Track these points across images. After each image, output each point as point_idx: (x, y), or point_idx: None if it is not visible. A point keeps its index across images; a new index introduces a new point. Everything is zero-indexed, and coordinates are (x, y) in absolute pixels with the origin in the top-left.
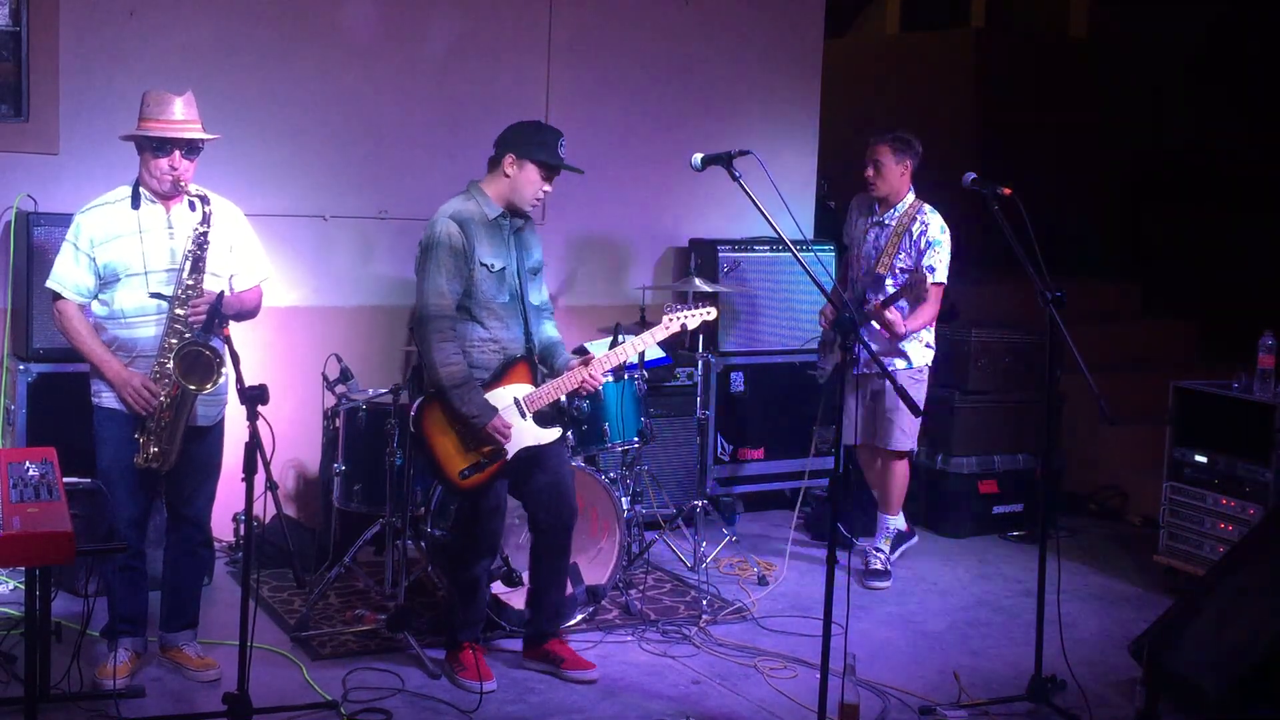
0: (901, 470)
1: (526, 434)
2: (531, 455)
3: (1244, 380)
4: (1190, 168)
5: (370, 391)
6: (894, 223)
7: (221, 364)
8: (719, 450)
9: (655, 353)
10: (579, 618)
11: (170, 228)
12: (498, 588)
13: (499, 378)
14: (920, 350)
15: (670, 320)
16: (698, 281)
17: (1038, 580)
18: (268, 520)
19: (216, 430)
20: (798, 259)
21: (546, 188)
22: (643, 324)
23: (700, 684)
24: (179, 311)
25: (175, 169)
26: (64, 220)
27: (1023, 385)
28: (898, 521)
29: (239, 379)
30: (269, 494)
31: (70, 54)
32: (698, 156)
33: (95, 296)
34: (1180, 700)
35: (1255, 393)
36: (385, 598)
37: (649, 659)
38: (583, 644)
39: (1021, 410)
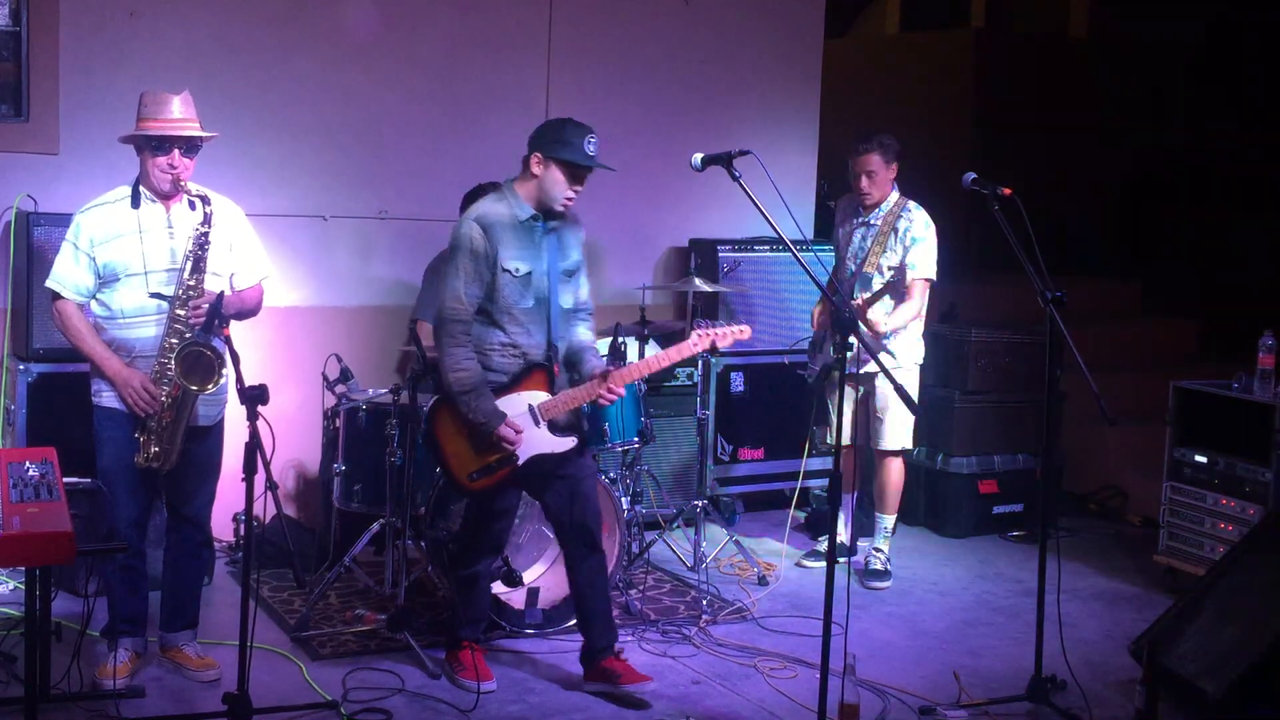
0: (896, 469)
1: (539, 441)
2: (547, 462)
3: (1244, 380)
4: (1190, 168)
5: (370, 391)
6: (879, 222)
7: (222, 364)
8: (719, 450)
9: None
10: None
11: (170, 227)
12: (498, 588)
13: (516, 383)
14: (907, 347)
15: (701, 337)
16: (698, 281)
17: (1038, 580)
18: (268, 520)
19: (217, 430)
20: (798, 259)
21: (576, 187)
22: (643, 323)
23: (700, 684)
24: (179, 311)
25: (174, 167)
26: (64, 220)
27: (1023, 385)
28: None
29: (239, 379)
30: (269, 494)
31: (70, 54)
32: (698, 156)
33: (95, 296)
34: (1180, 700)
35: (1255, 393)
36: (385, 598)
37: (649, 659)
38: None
39: (1021, 410)
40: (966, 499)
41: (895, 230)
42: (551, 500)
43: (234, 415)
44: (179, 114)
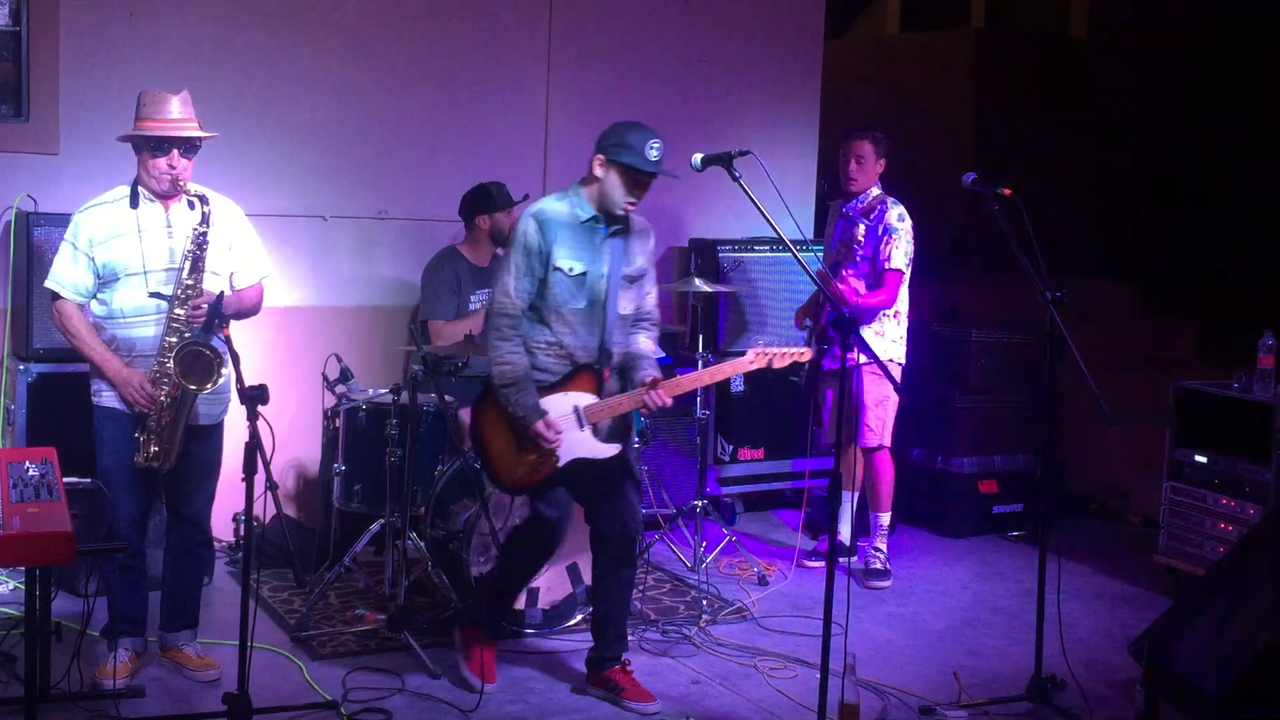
0: (883, 465)
1: (582, 444)
2: (592, 467)
3: (1244, 380)
4: (1190, 167)
5: (370, 391)
6: (858, 214)
7: (222, 364)
8: (719, 450)
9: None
10: (579, 617)
11: (169, 227)
12: None
13: (562, 384)
14: (884, 345)
15: (758, 355)
16: (698, 281)
17: (1038, 580)
18: (268, 520)
19: (217, 430)
20: (798, 259)
21: (637, 192)
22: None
23: (700, 684)
24: (178, 311)
25: (173, 168)
26: (64, 220)
27: (1023, 385)
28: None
29: (239, 379)
30: (269, 494)
31: (70, 54)
32: (698, 156)
33: (94, 296)
34: (1180, 700)
35: (1255, 393)
36: (385, 598)
37: (649, 659)
38: (583, 643)
39: (1021, 410)
40: (966, 499)
41: (868, 219)
42: (592, 508)
43: (234, 415)
44: (178, 114)
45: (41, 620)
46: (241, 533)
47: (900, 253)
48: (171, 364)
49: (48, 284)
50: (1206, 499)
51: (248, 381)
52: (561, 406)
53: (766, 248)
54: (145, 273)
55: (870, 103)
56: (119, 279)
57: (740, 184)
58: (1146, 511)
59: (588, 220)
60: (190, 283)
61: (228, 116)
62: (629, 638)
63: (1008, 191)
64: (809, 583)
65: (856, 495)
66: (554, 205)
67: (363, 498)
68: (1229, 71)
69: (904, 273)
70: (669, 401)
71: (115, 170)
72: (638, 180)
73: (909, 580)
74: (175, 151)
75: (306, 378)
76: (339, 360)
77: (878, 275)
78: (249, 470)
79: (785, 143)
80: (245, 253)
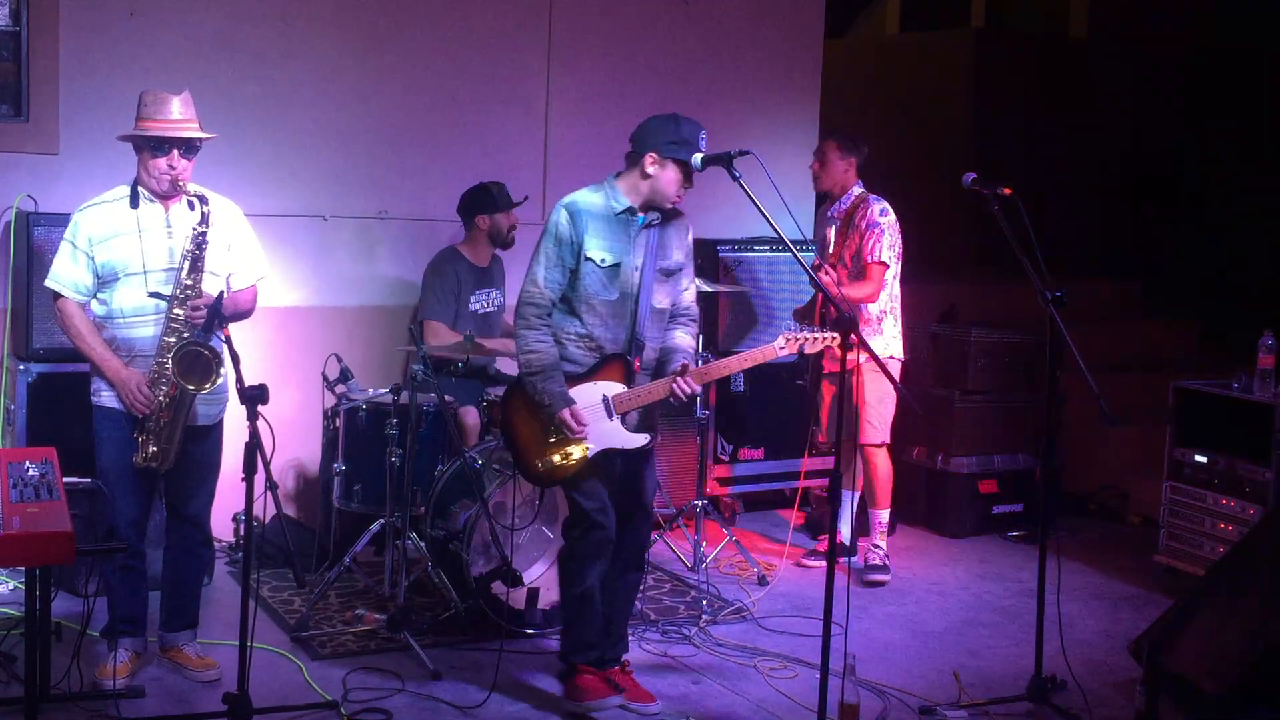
0: (882, 462)
1: (611, 435)
2: (619, 459)
3: (1244, 380)
4: (1190, 167)
5: (370, 391)
6: (842, 215)
7: (220, 364)
8: (719, 450)
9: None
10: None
11: (169, 227)
12: (498, 587)
13: (591, 373)
14: (882, 341)
15: (789, 341)
16: (698, 281)
17: (1038, 580)
18: (268, 520)
19: (216, 430)
20: (798, 259)
21: (688, 185)
22: None
23: (700, 684)
24: (177, 311)
25: (173, 168)
26: (64, 220)
27: (1023, 385)
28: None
29: (239, 379)
30: (269, 494)
31: (70, 54)
32: (697, 156)
33: (94, 295)
34: (1180, 700)
35: (1255, 393)
36: (385, 598)
37: (649, 659)
38: None
39: (1021, 410)
40: (966, 499)
41: (852, 220)
42: (614, 505)
43: (234, 415)
44: (178, 114)
45: (41, 620)
46: (241, 533)
47: (883, 246)
48: (170, 364)
49: (48, 283)
50: (1206, 499)
51: (248, 381)
52: (590, 396)
53: (766, 247)
54: (145, 272)
55: (870, 103)
56: (119, 279)
57: (740, 184)
58: (1146, 511)
59: (622, 212)
60: (189, 283)
61: (228, 116)
62: (629, 638)
63: (1008, 191)
64: (809, 583)
65: (857, 495)
66: (587, 197)
67: (363, 498)
68: (1229, 71)
69: (889, 266)
70: (698, 389)
71: (115, 170)
72: (689, 173)
73: (909, 580)
74: (175, 152)
75: (306, 378)
76: (339, 360)
77: (860, 270)
78: (249, 470)
79: (785, 143)
80: (243, 254)
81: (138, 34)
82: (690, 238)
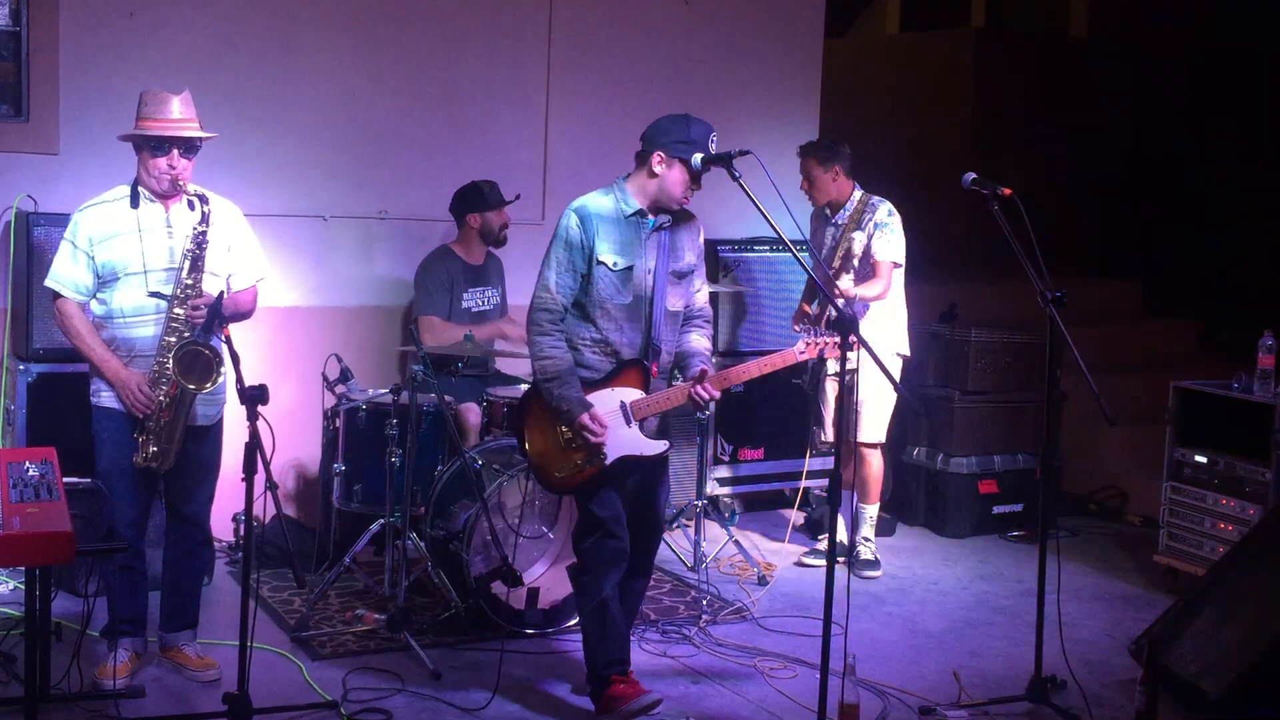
0: (877, 462)
1: (630, 442)
2: (637, 466)
3: (1244, 380)
4: (1190, 167)
5: (370, 391)
6: (846, 220)
7: (220, 363)
8: (719, 450)
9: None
10: (579, 617)
11: (169, 227)
12: (498, 587)
13: (609, 380)
14: (887, 336)
15: (809, 345)
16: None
17: (1038, 580)
18: (268, 520)
19: (216, 430)
20: (798, 259)
21: (696, 187)
22: None
23: (700, 684)
24: (177, 311)
25: (173, 168)
26: (64, 220)
27: (1023, 385)
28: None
29: (239, 379)
30: (269, 494)
31: (70, 54)
32: (698, 156)
33: (94, 295)
34: (1180, 700)
35: (1255, 393)
36: (385, 598)
37: (649, 659)
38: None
39: (1021, 410)
40: (966, 499)
41: (859, 224)
42: (627, 509)
43: (234, 415)
44: (179, 114)
45: (41, 620)
46: (241, 533)
47: (893, 244)
48: (170, 363)
49: (48, 283)
50: (1206, 499)
51: (248, 381)
52: (609, 403)
53: (766, 247)
54: (145, 272)
55: (870, 103)
56: (119, 278)
57: (740, 184)
58: (1146, 511)
59: (633, 215)
60: (190, 282)
61: (227, 116)
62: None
63: (1008, 191)
64: (809, 583)
65: (854, 495)
66: (597, 200)
67: (363, 498)
68: (1229, 71)
69: (900, 265)
70: (717, 395)
71: (115, 170)
72: (696, 174)
73: (909, 580)
74: (175, 151)
75: (306, 378)
76: (339, 360)
77: (870, 270)
78: (249, 470)
79: (785, 143)
80: (243, 254)
81: (138, 34)
82: (701, 238)
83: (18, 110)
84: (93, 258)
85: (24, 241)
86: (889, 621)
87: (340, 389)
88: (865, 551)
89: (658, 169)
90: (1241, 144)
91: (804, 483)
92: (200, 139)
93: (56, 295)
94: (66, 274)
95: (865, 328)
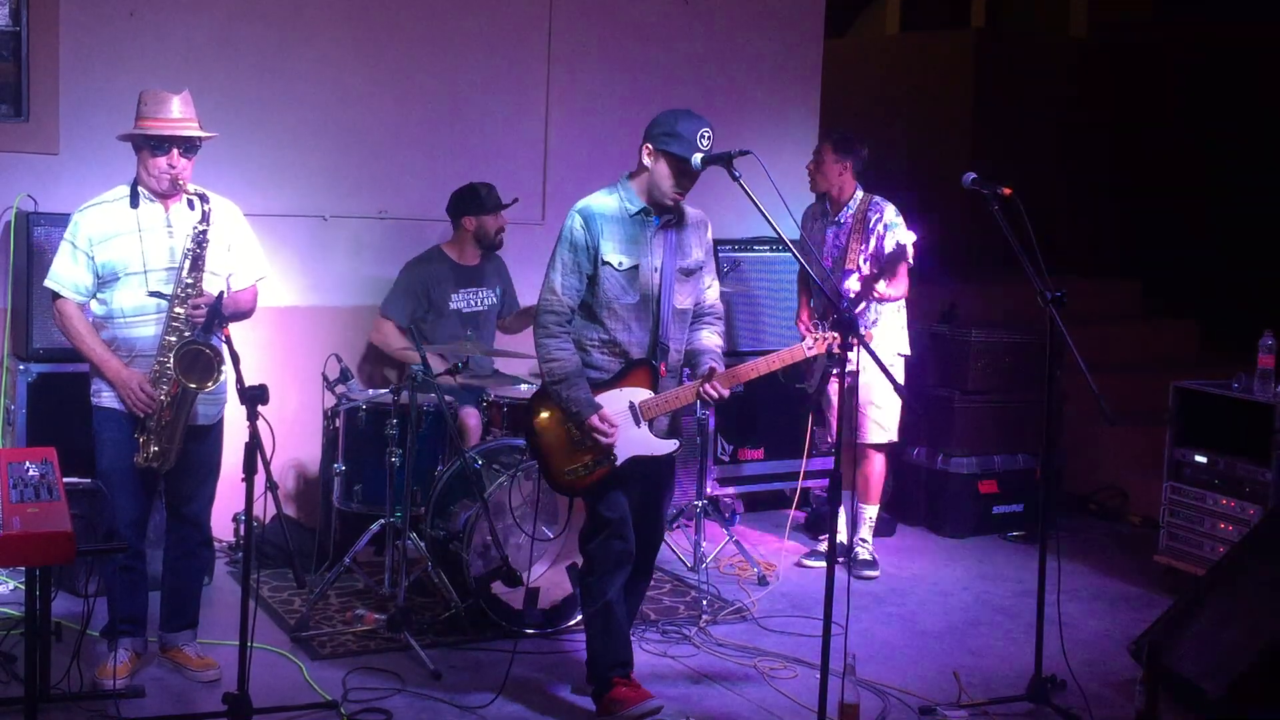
0: (879, 462)
1: (640, 442)
2: (647, 465)
3: (1244, 380)
4: (1190, 167)
5: (370, 391)
6: (849, 219)
7: (221, 362)
8: (719, 450)
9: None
10: (579, 617)
11: (169, 226)
12: (498, 587)
13: (617, 380)
14: (890, 337)
15: (818, 341)
16: None
17: (1038, 580)
18: (268, 520)
19: (216, 430)
20: (798, 259)
21: (685, 183)
22: None
23: (700, 684)
24: (178, 310)
25: (173, 168)
26: (64, 220)
27: (1023, 385)
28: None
29: (239, 379)
30: (269, 494)
31: (70, 54)
32: (697, 156)
33: (94, 295)
34: (1180, 700)
35: (1255, 393)
36: (385, 598)
37: (649, 659)
38: (583, 643)
39: (1021, 410)
40: (966, 499)
41: (866, 223)
42: (632, 509)
43: (234, 415)
44: (178, 114)
45: (41, 620)
46: (241, 533)
47: (908, 244)
48: (171, 363)
49: (47, 283)
50: (1206, 499)
51: (248, 381)
52: (618, 403)
53: (766, 248)
54: (145, 272)
55: (870, 103)
56: (119, 278)
57: (740, 184)
58: (1146, 511)
59: (637, 213)
60: (190, 281)
61: (227, 116)
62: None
63: (1008, 191)
64: (809, 583)
65: (854, 495)
66: (601, 200)
67: (363, 498)
68: (1229, 71)
69: (909, 262)
70: (726, 393)
71: (115, 170)
72: (685, 170)
73: (909, 580)
74: (175, 151)
75: (306, 378)
76: (339, 360)
77: (891, 269)
78: (249, 470)
79: (785, 143)
80: (243, 254)
81: (138, 34)
82: (710, 235)
83: (18, 110)
84: (92, 258)
85: (24, 241)
86: (889, 621)
87: (340, 389)
88: (863, 552)
89: (646, 162)
90: (1241, 144)
91: (800, 483)
92: (200, 138)
93: (56, 295)
94: (66, 274)
95: (877, 330)
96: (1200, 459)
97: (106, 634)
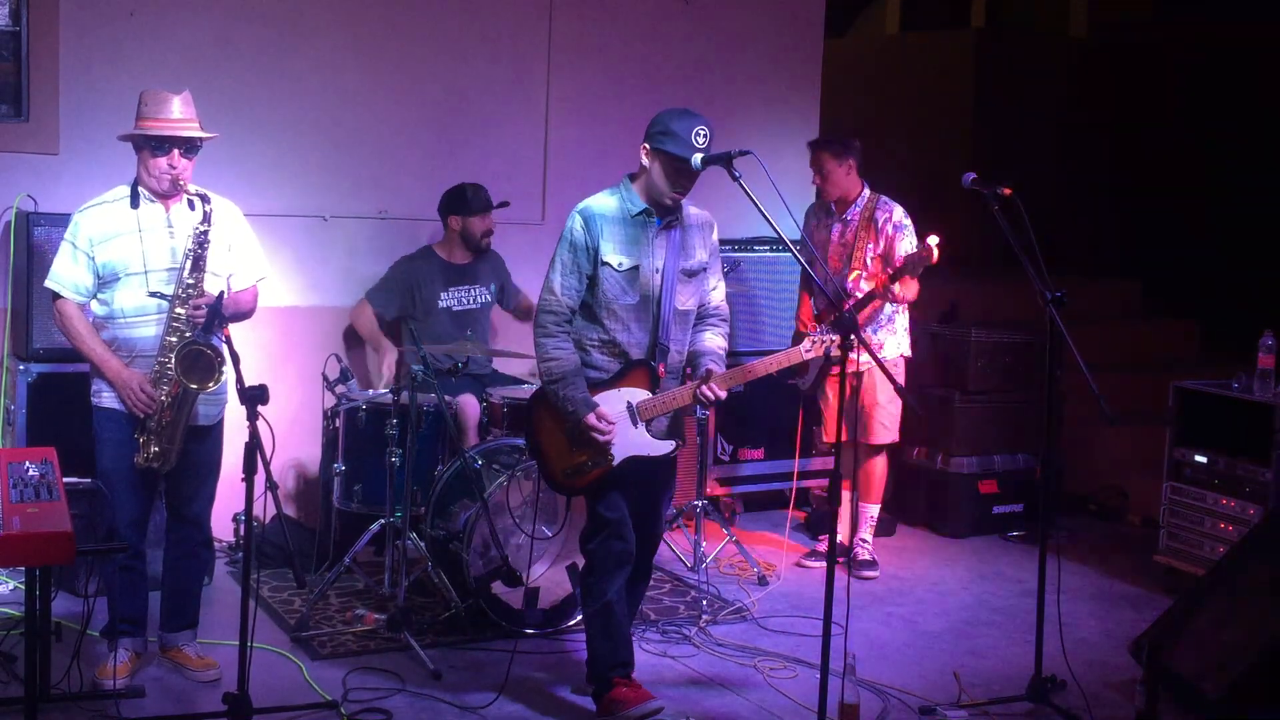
0: (882, 462)
1: (637, 442)
2: (644, 466)
3: (1244, 380)
4: (1190, 167)
5: (370, 391)
6: (857, 217)
7: (222, 363)
8: (719, 450)
9: None
10: (579, 617)
11: (170, 227)
12: (498, 587)
13: (616, 380)
14: (894, 340)
15: (815, 344)
16: None
17: (1038, 580)
18: (268, 520)
19: (216, 430)
20: (798, 259)
21: (684, 183)
22: None
23: (700, 684)
24: (179, 310)
25: (174, 168)
26: (64, 220)
27: (1023, 385)
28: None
29: (239, 379)
30: (269, 494)
31: (70, 54)
32: (697, 156)
33: (94, 296)
34: (1180, 700)
35: (1255, 393)
36: (385, 598)
37: (649, 659)
38: (583, 643)
39: (1021, 410)
40: (966, 499)
41: (874, 222)
42: (631, 510)
43: (234, 415)
44: (179, 114)
45: (41, 620)
46: (241, 533)
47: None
48: (172, 363)
49: (48, 283)
50: (1206, 499)
51: (248, 381)
52: (616, 404)
53: (766, 248)
54: (146, 272)
55: (870, 103)
56: (119, 279)
57: (740, 184)
58: (1146, 511)
59: (639, 214)
60: (191, 281)
61: (227, 116)
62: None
63: (1008, 191)
64: (809, 583)
65: (855, 495)
66: (602, 200)
67: (363, 498)
68: (1229, 71)
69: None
70: (722, 394)
71: (115, 170)
72: (682, 169)
73: (909, 580)
74: (176, 151)
75: (306, 378)
76: (339, 360)
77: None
78: (249, 470)
79: (785, 143)
80: (244, 255)
81: (138, 34)
82: (715, 236)
83: (18, 110)
84: (93, 258)
85: (24, 241)
86: (889, 621)
87: (340, 389)
88: (863, 552)
89: (644, 161)
90: (1241, 144)
91: (795, 483)
92: (201, 139)
93: (56, 296)
94: (66, 275)
95: (884, 333)
96: (1200, 459)
97: (106, 634)
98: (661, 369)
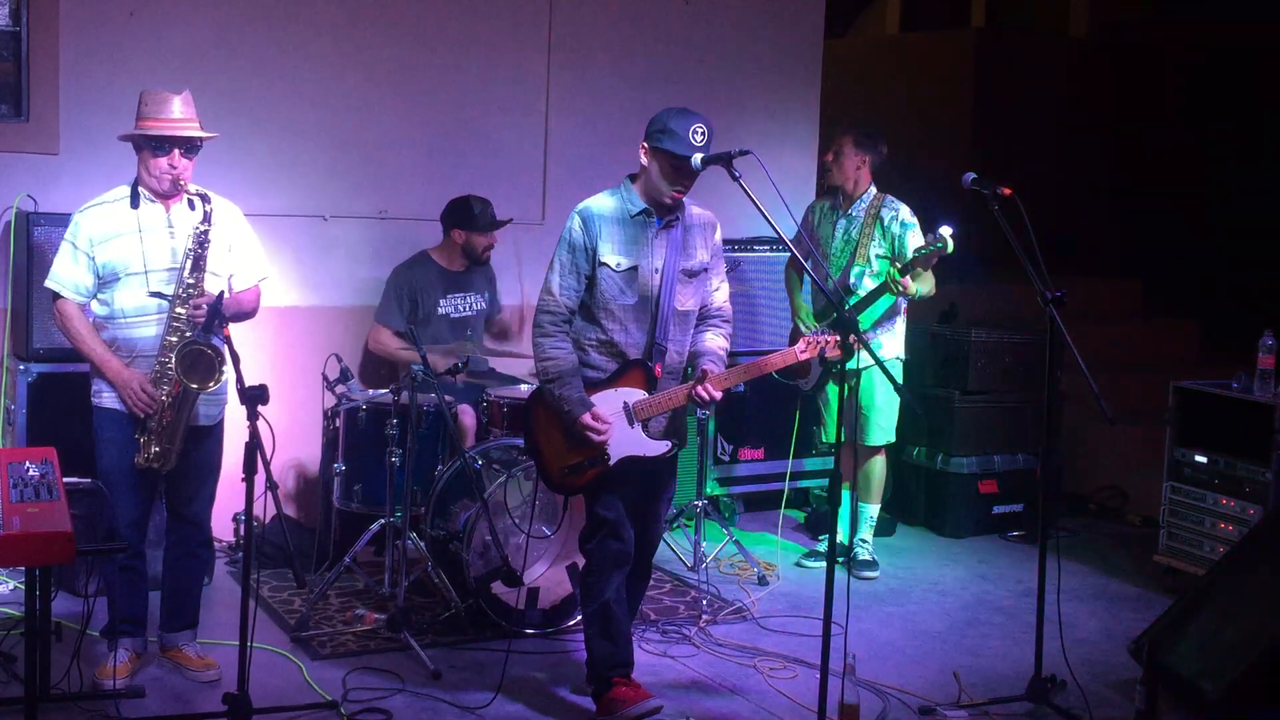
0: (880, 462)
1: (633, 442)
2: (640, 466)
3: (1244, 380)
4: (1190, 167)
5: (370, 391)
6: (862, 214)
7: (223, 363)
8: (719, 450)
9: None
10: (579, 617)
11: (170, 227)
12: (498, 587)
13: (612, 380)
14: (892, 341)
15: (810, 345)
16: None
17: (1038, 580)
18: (268, 520)
19: (217, 430)
20: (798, 258)
21: (683, 182)
22: None
23: (700, 684)
24: (179, 310)
25: (174, 168)
26: (64, 220)
27: (1023, 385)
28: (875, 510)
29: (239, 379)
30: (269, 494)
31: (70, 54)
32: (697, 156)
33: (95, 296)
34: (1180, 700)
35: (1255, 393)
36: (385, 598)
37: (648, 659)
38: (583, 643)
39: (1021, 410)
40: (966, 499)
41: (880, 220)
42: (629, 510)
43: (234, 415)
44: (179, 114)
45: (41, 620)
46: (241, 533)
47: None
48: (173, 363)
49: (48, 284)
50: (1206, 499)
51: (248, 381)
52: (612, 404)
53: (766, 247)
54: (146, 272)
55: (870, 103)
56: (120, 279)
57: (740, 184)
58: (1146, 511)
59: (638, 214)
60: (191, 281)
61: (228, 116)
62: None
63: (1008, 191)
64: (809, 583)
65: (854, 495)
66: (602, 201)
67: (363, 498)
68: (1229, 71)
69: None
70: (718, 395)
71: (115, 170)
72: (681, 167)
73: (909, 580)
74: (176, 151)
75: (306, 378)
76: (339, 360)
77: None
78: (249, 470)
79: (785, 143)
80: (245, 255)
81: (138, 34)
82: (718, 236)
83: (18, 110)
84: (93, 258)
85: (24, 241)
86: (889, 621)
87: (340, 389)
88: (863, 552)
89: (643, 160)
90: (1241, 144)
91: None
92: (201, 139)
93: (57, 296)
94: (67, 275)
95: (884, 334)
96: (1200, 459)
97: (106, 634)
98: (658, 369)
